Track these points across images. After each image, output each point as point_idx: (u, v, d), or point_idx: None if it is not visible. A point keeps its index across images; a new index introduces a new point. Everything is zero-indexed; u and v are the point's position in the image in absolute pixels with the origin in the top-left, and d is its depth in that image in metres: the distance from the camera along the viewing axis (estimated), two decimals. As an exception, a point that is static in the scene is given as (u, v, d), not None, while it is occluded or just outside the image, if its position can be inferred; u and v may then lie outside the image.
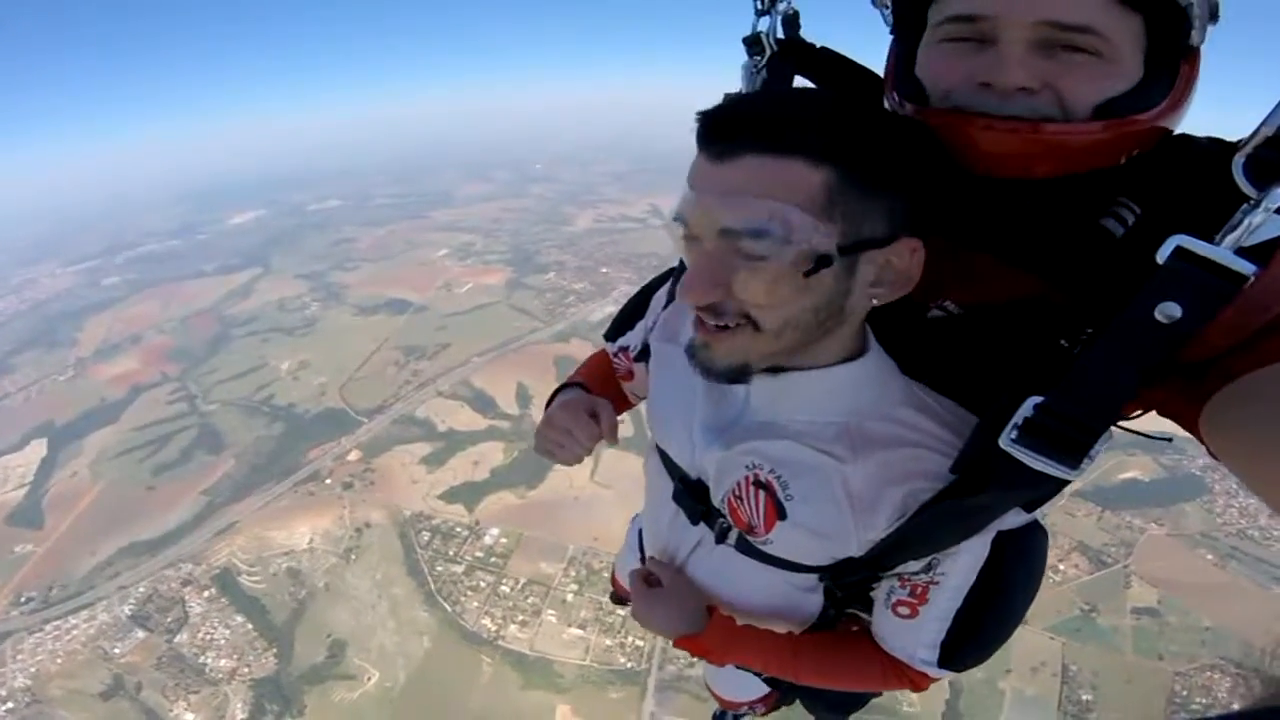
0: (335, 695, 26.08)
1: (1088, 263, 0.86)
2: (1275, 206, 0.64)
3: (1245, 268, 0.63)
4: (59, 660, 27.51)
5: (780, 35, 1.25)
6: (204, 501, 36.61)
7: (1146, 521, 27.26)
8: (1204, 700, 20.98)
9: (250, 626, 28.66)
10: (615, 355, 1.46)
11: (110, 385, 50.43)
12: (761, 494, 0.97)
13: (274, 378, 49.12)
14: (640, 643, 26.11)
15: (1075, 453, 0.72)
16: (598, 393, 1.38)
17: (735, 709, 1.83)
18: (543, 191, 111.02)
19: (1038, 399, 0.73)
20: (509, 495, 34.26)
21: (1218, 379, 0.74)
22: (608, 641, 26.49)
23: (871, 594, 1.09)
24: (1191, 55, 0.82)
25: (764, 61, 1.23)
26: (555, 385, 1.49)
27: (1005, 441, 0.74)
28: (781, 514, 0.96)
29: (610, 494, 31.80)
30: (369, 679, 26.57)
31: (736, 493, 1.01)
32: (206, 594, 30.35)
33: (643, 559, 1.55)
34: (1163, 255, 0.66)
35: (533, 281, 62.67)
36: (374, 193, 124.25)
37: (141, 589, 30.75)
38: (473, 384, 44.50)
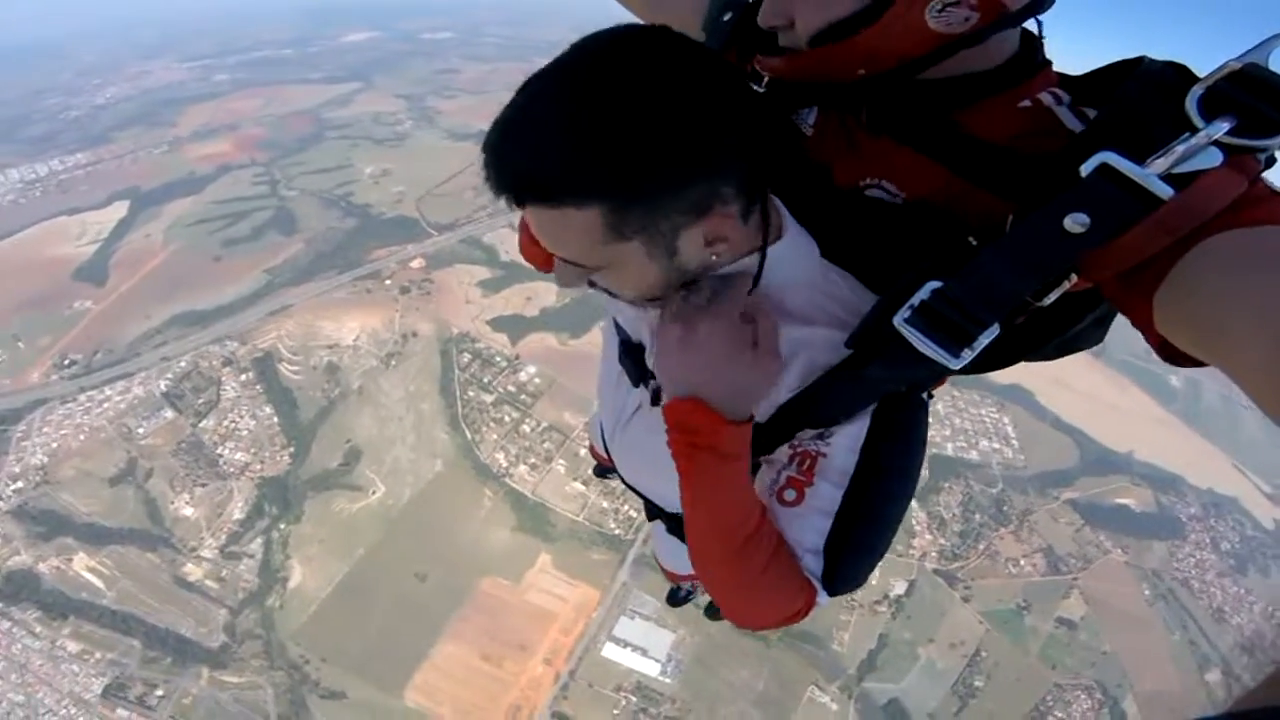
0: (336, 505, 25.39)
1: (980, 153, 0.87)
2: (1214, 137, 0.62)
3: (1163, 191, 0.62)
4: (82, 436, 26.83)
5: None
6: (265, 280, 35.92)
7: (1115, 546, 27.35)
8: (1061, 714, 22.06)
9: (276, 420, 27.74)
10: None
11: (200, 162, 50.34)
12: None
13: (356, 178, 48.56)
14: (634, 514, 24.70)
15: (960, 341, 0.73)
16: None
17: (686, 581, 1.82)
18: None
19: (937, 284, 0.74)
20: (552, 338, 32.70)
21: (1152, 278, 0.69)
22: (605, 504, 25.86)
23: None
24: None
25: None
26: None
27: (899, 320, 0.75)
28: None
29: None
30: (374, 493, 25.74)
31: None
32: (244, 378, 29.44)
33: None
34: (1087, 169, 0.67)
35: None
36: (486, 31, 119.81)
37: (183, 363, 30.06)
38: (545, 224, 42.17)
